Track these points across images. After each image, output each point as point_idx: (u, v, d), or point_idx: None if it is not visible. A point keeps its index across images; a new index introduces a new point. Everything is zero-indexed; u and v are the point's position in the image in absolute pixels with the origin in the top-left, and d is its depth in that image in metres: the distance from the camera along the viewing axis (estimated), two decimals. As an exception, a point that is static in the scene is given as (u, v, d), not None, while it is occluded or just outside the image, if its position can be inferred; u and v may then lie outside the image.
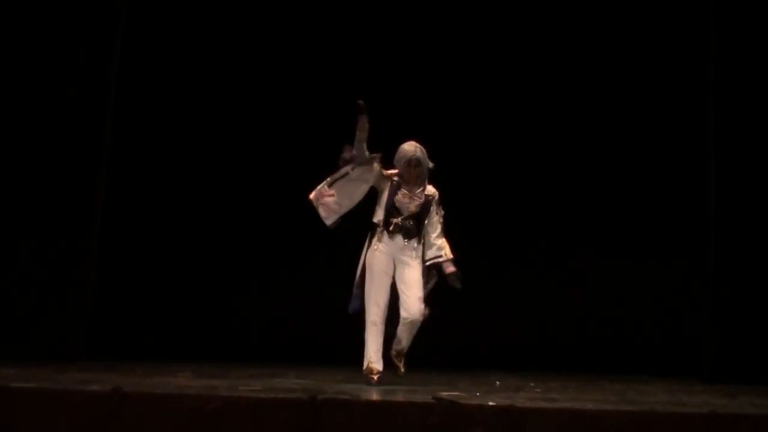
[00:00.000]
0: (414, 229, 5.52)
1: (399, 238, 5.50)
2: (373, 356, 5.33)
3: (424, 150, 5.51)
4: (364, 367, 5.33)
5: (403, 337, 5.47)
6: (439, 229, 5.55)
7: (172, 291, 7.61)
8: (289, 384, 5.04)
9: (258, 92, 7.91)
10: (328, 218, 5.60)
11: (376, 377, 5.28)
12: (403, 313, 5.41)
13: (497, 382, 5.40)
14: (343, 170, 5.57)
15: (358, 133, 5.44)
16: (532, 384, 5.65)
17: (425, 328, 6.61)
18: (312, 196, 5.59)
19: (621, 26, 7.86)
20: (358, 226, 7.66)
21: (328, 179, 5.57)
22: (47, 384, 4.31)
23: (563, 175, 7.91)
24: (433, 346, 7.02)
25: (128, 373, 5.41)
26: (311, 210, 7.74)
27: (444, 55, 7.91)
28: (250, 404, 3.91)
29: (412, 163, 5.48)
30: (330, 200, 5.58)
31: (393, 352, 5.59)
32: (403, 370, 5.59)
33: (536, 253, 7.79)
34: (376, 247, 5.50)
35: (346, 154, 5.53)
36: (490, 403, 4.07)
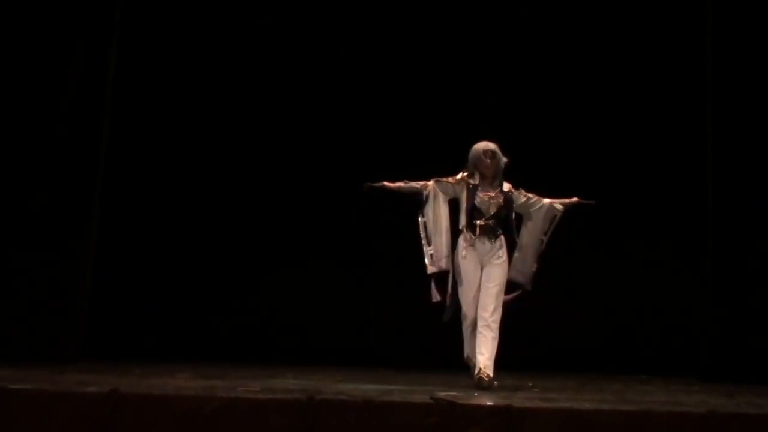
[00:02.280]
0: (498, 229, 5.52)
1: (485, 241, 5.48)
2: (488, 362, 5.26)
3: (497, 144, 5.54)
4: (477, 371, 5.24)
5: (480, 344, 5.32)
6: (535, 197, 5.62)
7: (170, 292, 7.60)
8: (288, 385, 5.04)
9: (255, 90, 7.90)
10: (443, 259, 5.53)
11: (486, 377, 5.21)
12: (479, 312, 5.40)
13: (495, 382, 5.38)
14: (420, 222, 5.56)
15: (394, 191, 5.52)
16: (530, 384, 5.65)
17: (423, 330, 6.62)
18: (433, 270, 5.51)
19: (621, 31, 7.84)
20: (357, 227, 7.71)
21: (424, 242, 5.53)
22: (44, 385, 4.31)
23: (558, 172, 7.88)
24: (430, 347, 7.04)
25: (126, 374, 5.41)
26: (309, 210, 7.79)
27: (445, 58, 7.90)
28: (248, 405, 3.90)
29: (488, 154, 5.50)
30: (444, 257, 5.52)
31: (472, 366, 5.46)
32: (487, 381, 5.26)
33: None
34: (464, 253, 5.47)
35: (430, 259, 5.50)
36: (488, 403, 4.07)
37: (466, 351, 5.56)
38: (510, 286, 5.57)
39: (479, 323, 5.36)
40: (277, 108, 7.91)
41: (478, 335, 5.34)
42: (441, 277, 5.52)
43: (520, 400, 4.43)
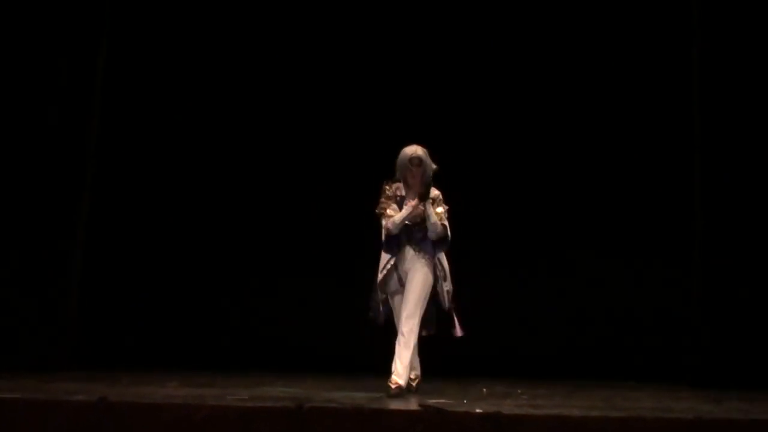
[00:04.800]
0: (422, 238, 5.36)
1: (408, 250, 5.36)
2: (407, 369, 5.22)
3: (425, 151, 5.31)
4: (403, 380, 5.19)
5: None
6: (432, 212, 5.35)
7: (159, 300, 7.57)
8: (277, 392, 5.03)
9: (247, 93, 7.88)
10: None
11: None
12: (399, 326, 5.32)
13: (484, 390, 5.40)
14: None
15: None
16: (519, 391, 5.65)
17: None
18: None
19: (605, 35, 7.87)
20: (346, 234, 7.70)
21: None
22: (32, 394, 4.29)
23: (547, 178, 7.92)
24: (420, 354, 7.04)
25: (114, 382, 5.39)
26: (299, 217, 7.79)
27: (436, 62, 7.89)
28: (237, 413, 3.90)
29: (414, 161, 5.27)
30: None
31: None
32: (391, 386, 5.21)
33: (521, 261, 7.80)
34: (387, 267, 5.35)
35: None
36: (477, 411, 4.07)
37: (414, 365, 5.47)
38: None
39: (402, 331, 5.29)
40: (264, 111, 7.90)
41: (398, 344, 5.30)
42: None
43: (510, 407, 4.44)
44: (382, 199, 5.42)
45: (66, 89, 6.79)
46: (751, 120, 6.89)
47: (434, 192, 5.40)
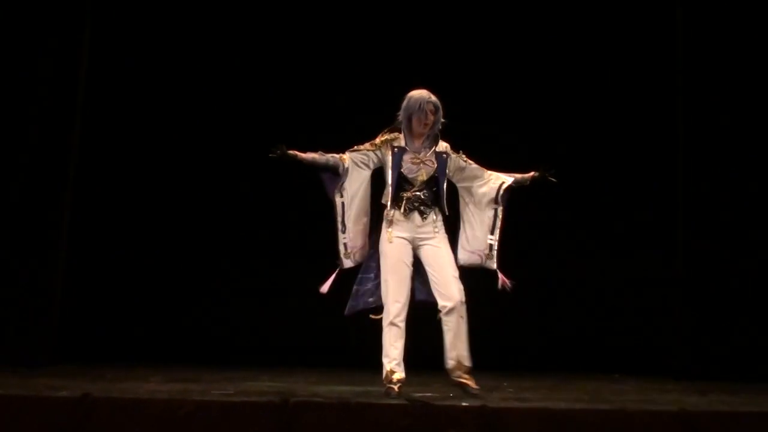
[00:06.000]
0: (431, 199, 4.66)
1: (415, 216, 4.63)
2: (394, 362, 4.60)
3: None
4: (383, 375, 4.60)
5: (453, 337, 4.58)
6: (478, 168, 4.77)
7: (142, 294, 7.53)
8: (262, 387, 5.02)
9: (225, 93, 7.83)
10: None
11: (397, 387, 4.55)
12: (440, 302, 4.61)
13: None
14: (337, 202, 4.71)
15: (308, 163, 4.67)
16: (506, 384, 5.67)
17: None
18: (348, 264, 4.75)
19: (591, 31, 7.87)
20: (330, 226, 7.68)
21: (339, 227, 4.72)
22: (14, 390, 4.26)
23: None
24: (407, 348, 7.03)
25: (98, 378, 5.36)
26: (280, 210, 7.75)
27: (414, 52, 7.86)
28: (222, 408, 3.89)
29: (429, 106, 4.58)
30: (359, 248, 4.71)
31: (450, 366, 4.65)
32: (474, 385, 4.65)
33: (507, 253, 7.79)
34: (388, 233, 4.61)
35: (328, 185, 4.70)
36: (464, 404, 4.08)
37: (393, 357, 4.64)
38: (470, 273, 4.82)
39: (448, 312, 4.59)
40: (245, 117, 7.84)
41: (453, 326, 4.58)
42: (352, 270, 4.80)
43: (496, 400, 4.45)
44: (367, 144, 4.75)
45: (49, 84, 6.73)
46: (734, 119, 6.94)
47: (443, 144, 4.77)
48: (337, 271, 4.81)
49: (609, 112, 7.80)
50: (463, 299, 4.64)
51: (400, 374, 4.62)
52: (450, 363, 4.69)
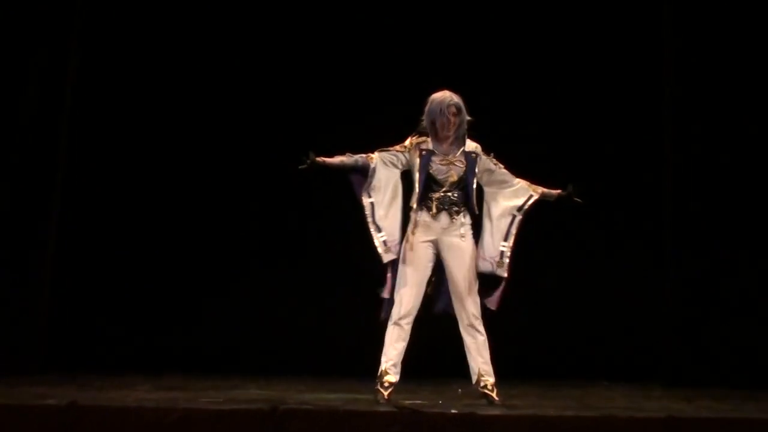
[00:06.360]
0: (460, 200, 4.61)
1: (443, 216, 4.59)
2: (390, 362, 4.59)
3: (461, 99, 4.60)
4: (378, 373, 4.63)
5: (472, 351, 4.61)
6: (507, 173, 4.73)
7: (130, 301, 7.51)
8: (250, 395, 5.01)
9: (215, 94, 7.82)
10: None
11: (386, 392, 4.57)
12: (457, 316, 4.64)
13: (459, 390, 5.40)
14: (366, 202, 4.67)
15: (337, 168, 4.65)
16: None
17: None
18: (390, 257, 4.62)
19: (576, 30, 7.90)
20: (321, 234, 7.69)
21: (372, 227, 4.63)
22: (1, 399, 4.23)
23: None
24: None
25: (85, 386, 5.34)
26: (269, 217, 7.74)
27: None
28: (210, 416, 3.87)
29: (451, 109, 4.54)
30: (398, 241, 4.60)
31: (474, 380, 4.66)
32: (496, 396, 4.63)
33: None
34: (413, 236, 4.58)
35: (357, 188, 4.66)
36: (453, 411, 4.08)
37: (390, 358, 4.62)
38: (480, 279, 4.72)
39: (461, 325, 4.62)
40: (235, 119, 7.84)
41: (468, 340, 4.61)
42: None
43: (484, 407, 4.45)
44: (397, 146, 4.72)
45: (38, 84, 6.72)
46: (723, 126, 6.99)
47: (472, 144, 4.72)
48: (388, 270, 4.69)
49: (593, 112, 7.82)
50: (478, 314, 4.65)
51: (392, 377, 4.63)
52: (473, 377, 4.71)
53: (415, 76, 7.42)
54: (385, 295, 4.69)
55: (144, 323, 7.50)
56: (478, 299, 4.67)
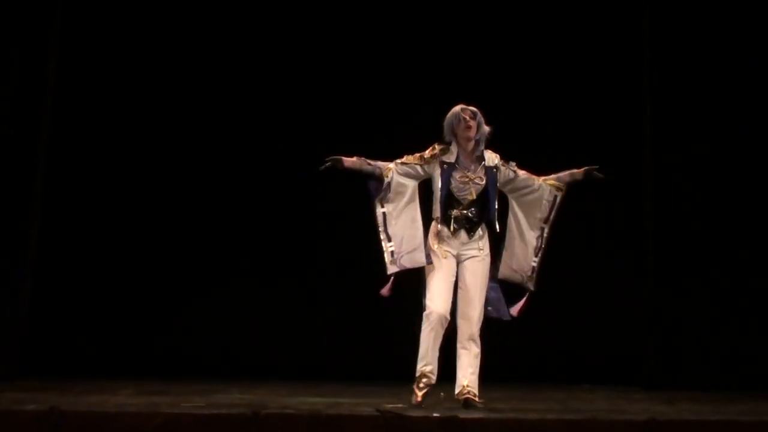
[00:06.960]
0: (478, 217, 4.72)
1: (462, 233, 4.72)
2: (429, 366, 4.69)
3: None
4: (416, 375, 4.71)
5: (462, 364, 4.73)
6: (527, 177, 4.83)
7: (111, 306, 7.47)
8: (232, 399, 4.99)
9: (199, 97, 7.80)
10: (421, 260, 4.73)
11: (421, 394, 4.68)
12: (458, 326, 4.74)
13: (441, 394, 5.40)
14: (378, 212, 4.77)
15: (356, 171, 4.75)
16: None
17: (369, 341, 6.51)
18: (394, 269, 4.72)
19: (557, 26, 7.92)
20: (303, 238, 7.67)
21: (383, 236, 4.73)
22: (-20, 404, 4.19)
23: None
24: (377, 358, 7.03)
25: (66, 391, 5.29)
26: (251, 221, 7.71)
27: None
28: (192, 421, 3.86)
29: (467, 112, 4.67)
30: (405, 253, 4.72)
31: (456, 391, 4.76)
32: (478, 400, 4.72)
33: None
34: (438, 247, 4.71)
35: (373, 192, 4.75)
36: (435, 415, 4.09)
37: (426, 361, 4.71)
38: (507, 288, 4.91)
39: (460, 336, 4.74)
40: (222, 121, 7.82)
41: (462, 352, 4.73)
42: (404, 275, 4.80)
43: (466, 411, 4.46)
44: (415, 157, 4.79)
45: (17, 86, 6.66)
46: (703, 125, 7.05)
47: (491, 156, 4.81)
48: (392, 278, 4.80)
49: (572, 114, 7.85)
50: (480, 326, 4.78)
51: (429, 379, 4.74)
52: (456, 388, 4.79)
53: (413, 79, 7.50)
54: (385, 293, 4.80)
55: (125, 328, 7.46)
56: (482, 316, 4.82)
